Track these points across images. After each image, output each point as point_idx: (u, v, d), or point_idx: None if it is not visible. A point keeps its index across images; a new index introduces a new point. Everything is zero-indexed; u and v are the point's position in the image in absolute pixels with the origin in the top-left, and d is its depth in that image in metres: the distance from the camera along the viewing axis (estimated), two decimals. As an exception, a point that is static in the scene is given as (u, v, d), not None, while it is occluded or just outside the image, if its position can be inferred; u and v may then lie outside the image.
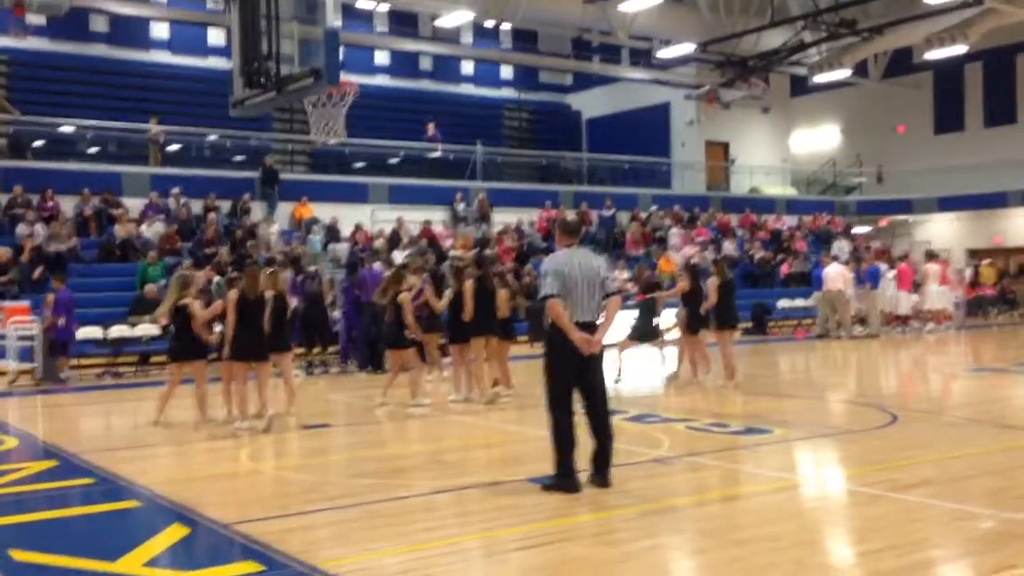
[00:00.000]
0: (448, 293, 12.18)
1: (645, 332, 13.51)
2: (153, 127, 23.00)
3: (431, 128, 27.02)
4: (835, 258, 23.16)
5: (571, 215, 7.41)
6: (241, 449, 8.87)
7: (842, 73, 29.21)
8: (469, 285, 11.53)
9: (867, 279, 22.05)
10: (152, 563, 5.23)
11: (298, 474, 7.67)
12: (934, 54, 27.10)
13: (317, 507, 6.43)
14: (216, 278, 15.64)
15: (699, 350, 13.20)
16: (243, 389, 10.06)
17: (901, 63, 32.50)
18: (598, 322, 6.69)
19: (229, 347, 10.06)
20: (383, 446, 9.23)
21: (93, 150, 23.56)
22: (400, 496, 6.73)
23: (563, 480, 6.62)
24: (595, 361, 6.70)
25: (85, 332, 16.07)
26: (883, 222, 34.55)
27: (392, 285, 11.79)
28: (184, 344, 10.46)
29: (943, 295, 23.40)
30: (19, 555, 5.40)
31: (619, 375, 13.33)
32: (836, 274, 21.26)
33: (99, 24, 28.00)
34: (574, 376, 6.68)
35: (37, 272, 17.61)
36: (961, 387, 13.42)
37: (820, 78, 29.59)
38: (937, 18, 25.27)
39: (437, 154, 27.42)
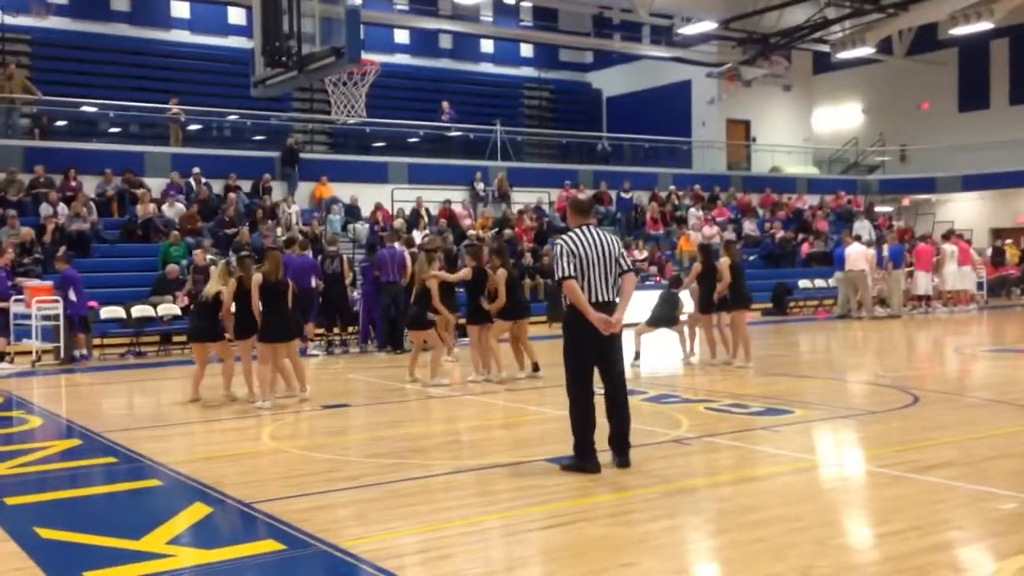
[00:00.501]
0: (464, 272, 12.16)
1: (664, 319, 13.48)
2: (174, 107, 23.07)
3: (446, 107, 26.95)
4: (858, 238, 22.97)
5: (583, 194, 7.39)
6: (262, 429, 8.93)
7: (866, 50, 28.84)
8: (502, 274, 11.51)
9: (890, 259, 21.87)
10: (175, 541, 5.29)
11: (319, 453, 7.72)
12: (959, 30, 26.70)
13: (338, 486, 6.47)
14: (216, 259, 15.72)
15: (709, 332, 13.22)
16: (265, 369, 10.14)
17: (926, 40, 32.06)
18: (616, 300, 6.65)
19: (259, 329, 10.19)
20: (403, 426, 9.27)
21: (115, 130, 23.68)
22: (420, 476, 6.77)
23: (583, 461, 6.63)
24: (613, 341, 6.69)
25: (107, 312, 16.20)
26: (905, 201, 34.25)
27: (426, 268, 11.91)
28: (205, 325, 10.59)
29: (966, 275, 23.21)
30: (45, 533, 5.48)
31: (637, 356, 13.33)
32: (858, 254, 21.10)
33: (120, 3, 28.10)
34: (593, 356, 6.66)
35: (61, 251, 17.74)
36: (982, 368, 13.32)
37: (843, 55, 29.25)
38: (962, -6, 24.91)
39: (457, 134, 27.38)
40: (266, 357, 10.20)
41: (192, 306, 10.84)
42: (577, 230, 6.77)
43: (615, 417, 6.72)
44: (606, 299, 6.60)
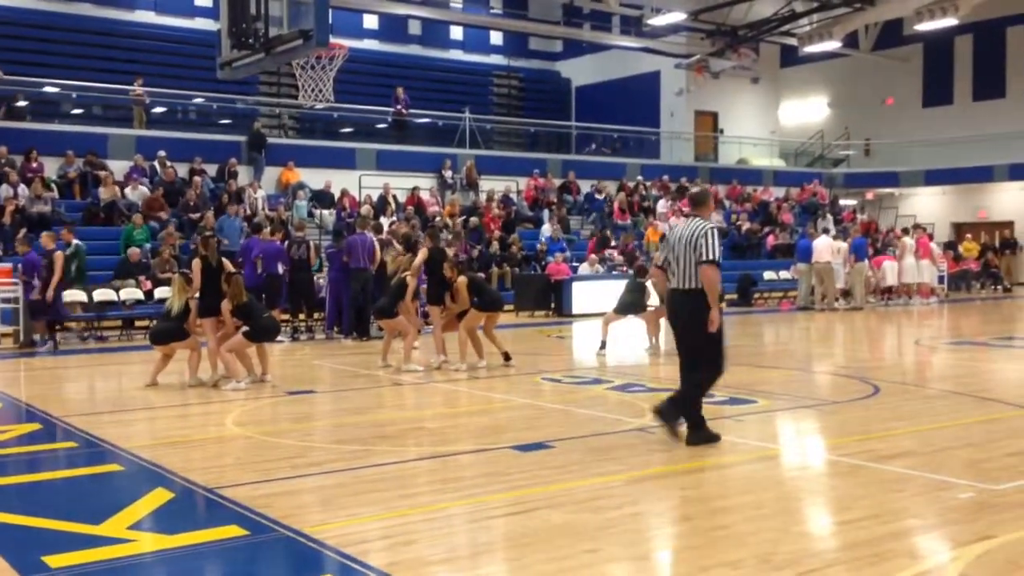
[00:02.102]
0: (422, 253, 12.08)
1: (631, 306, 13.54)
2: (137, 88, 22.75)
3: (400, 93, 26.75)
4: (825, 230, 23.25)
5: (695, 187, 7.87)
6: (226, 414, 8.87)
7: (832, 44, 29.08)
8: (463, 281, 11.56)
9: (853, 251, 22.15)
10: (136, 526, 5.24)
11: (283, 439, 7.68)
12: (924, 26, 27.01)
13: (302, 472, 6.44)
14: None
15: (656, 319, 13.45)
16: (223, 352, 10.28)
17: (891, 35, 32.43)
18: (686, 286, 6.95)
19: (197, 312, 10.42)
20: (368, 412, 9.25)
21: (77, 111, 23.32)
22: (385, 462, 6.75)
23: (707, 431, 7.09)
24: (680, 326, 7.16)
25: (69, 295, 15.97)
26: (869, 195, 34.64)
27: (406, 262, 12.00)
28: (169, 327, 10.58)
29: (926, 269, 23.56)
30: (3, 517, 5.40)
31: (603, 346, 13.40)
32: (825, 246, 21.40)
33: (84, -18, 27.64)
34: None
35: (21, 233, 17.46)
36: (942, 360, 13.53)
37: (810, 49, 29.46)
38: (929, -10, 25.19)
39: (425, 121, 27.24)
40: (237, 344, 10.30)
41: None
42: (683, 219, 7.31)
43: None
44: (682, 286, 7.02)
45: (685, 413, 7.08)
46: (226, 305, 10.36)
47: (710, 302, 6.85)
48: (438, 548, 4.86)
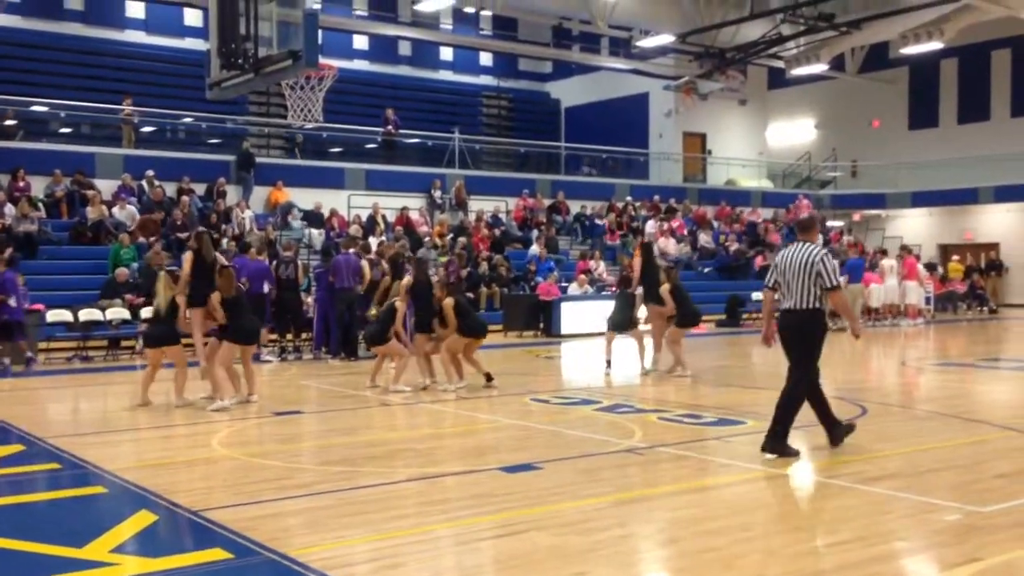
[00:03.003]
0: (406, 280, 12.15)
1: (620, 323, 13.55)
2: (127, 107, 22.74)
3: (390, 114, 26.80)
4: (862, 252, 23.85)
5: (804, 213, 8.43)
6: (212, 435, 8.81)
7: (819, 67, 29.33)
8: (450, 303, 11.58)
9: (846, 272, 22.29)
10: (119, 549, 5.18)
11: (269, 460, 7.63)
12: (910, 50, 27.28)
13: (288, 494, 6.40)
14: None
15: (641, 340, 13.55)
16: (219, 370, 10.32)
17: (877, 58, 32.71)
18: (801, 307, 7.41)
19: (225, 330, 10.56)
20: (356, 433, 9.20)
21: (66, 130, 23.28)
22: (372, 484, 6.71)
23: (788, 445, 7.43)
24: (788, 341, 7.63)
25: (55, 315, 15.89)
26: (856, 216, 34.81)
27: (395, 288, 12.04)
28: (165, 329, 10.53)
29: (913, 290, 23.66)
30: (-16, 540, 5.34)
31: (608, 365, 13.49)
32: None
33: (74, 2, 27.69)
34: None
35: (7, 252, 17.37)
36: (929, 381, 13.56)
37: (797, 71, 29.72)
38: (914, 14, 25.42)
39: (414, 141, 27.28)
40: (225, 357, 10.31)
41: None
42: (793, 244, 7.68)
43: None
44: (793, 306, 7.50)
45: (788, 425, 7.50)
46: (216, 296, 10.40)
47: (849, 321, 7.85)
48: (425, 571, 4.83)
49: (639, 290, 13.62)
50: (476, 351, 12.01)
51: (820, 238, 7.72)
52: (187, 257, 10.96)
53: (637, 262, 13.64)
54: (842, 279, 21.91)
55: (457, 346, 11.76)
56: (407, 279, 12.19)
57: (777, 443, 7.41)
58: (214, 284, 10.52)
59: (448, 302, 11.61)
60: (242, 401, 10.57)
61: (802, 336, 7.52)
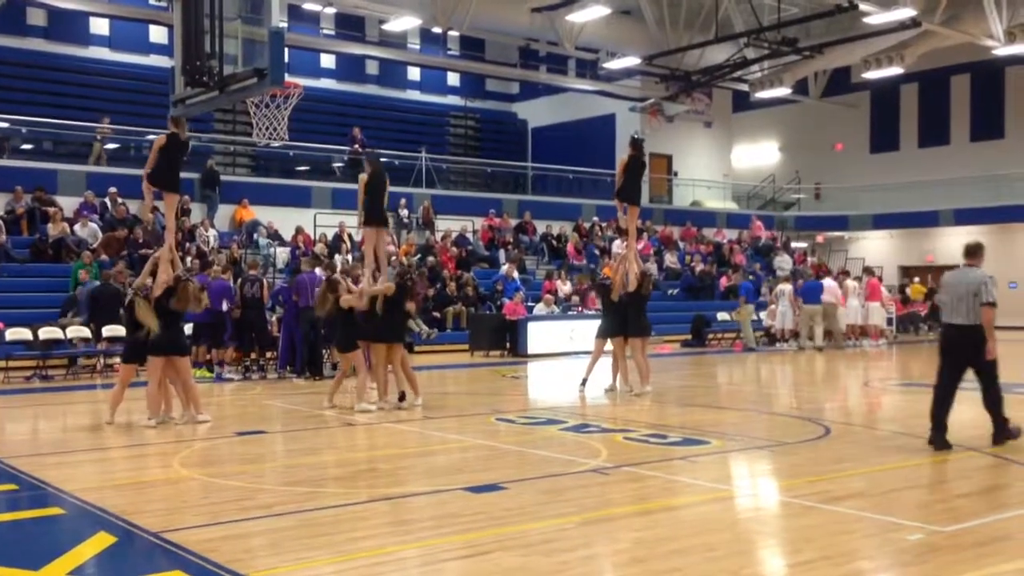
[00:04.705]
0: (388, 285, 11.97)
1: (607, 330, 13.57)
2: (104, 126, 22.66)
3: (357, 133, 26.76)
4: (827, 272, 24.27)
5: (970, 240, 9.04)
6: (173, 456, 8.68)
7: (783, 90, 29.78)
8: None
9: (800, 294, 22.65)
10: (77, 572, 5.08)
11: (231, 481, 7.53)
12: (871, 74, 27.79)
13: (250, 515, 6.31)
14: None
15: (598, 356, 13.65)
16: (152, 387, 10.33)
17: (840, 82, 33.24)
18: (970, 322, 8.44)
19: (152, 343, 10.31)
20: (320, 453, 9.11)
21: (27, 147, 22.98)
22: (336, 504, 6.64)
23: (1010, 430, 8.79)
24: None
25: (14, 333, 15.63)
26: (820, 238, 35.23)
27: (330, 294, 11.73)
28: (138, 346, 10.40)
29: (876, 311, 23.96)
30: (-64, 563, 5.22)
31: (584, 383, 13.54)
32: (829, 288, 22.45)
33: (37, 18, 27.33)
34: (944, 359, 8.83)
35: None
36: (890, 401, 13.70)
37: (761, 95, 30.14)
38: (875, 39, 25.89)
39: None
40: (156, 372, 10.19)
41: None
42: (959, 267, 8.82)
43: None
44: (958, 322, 8.56)
45: (1002, 417, 8.76)
46: (164, 281, 10.17)
47: (987, 336, 8.35)
48: (388, 593, 4.77)
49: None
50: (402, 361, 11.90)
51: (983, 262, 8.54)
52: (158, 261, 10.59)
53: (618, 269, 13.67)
54: (797, 300, 22.37)
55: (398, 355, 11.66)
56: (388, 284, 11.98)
57: (1004, 433, 8.73)
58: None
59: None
60: (163, 422, 10.34)
61: (973, 348, 8.49)
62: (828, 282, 22.98)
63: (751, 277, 27.44)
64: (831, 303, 22.26)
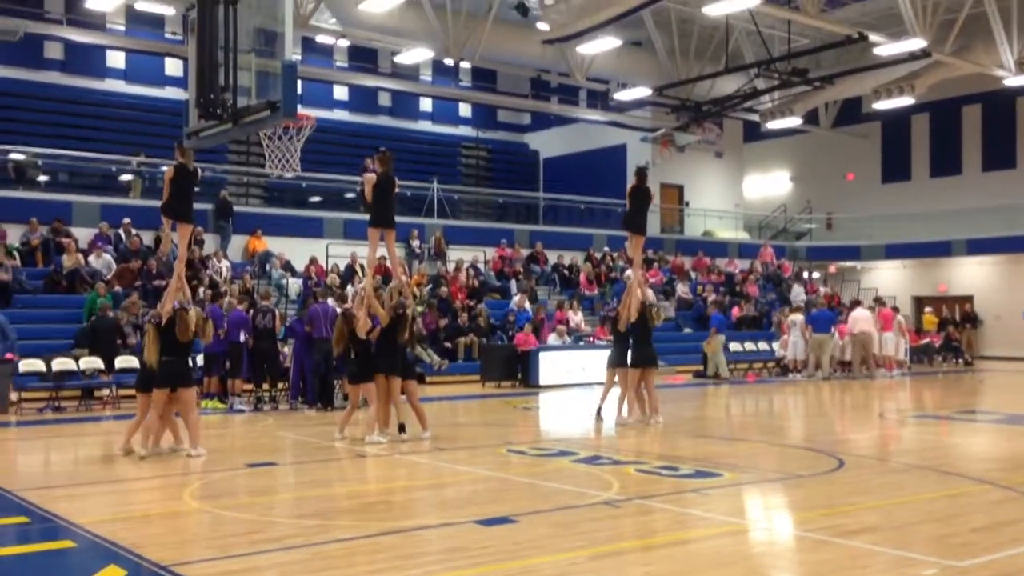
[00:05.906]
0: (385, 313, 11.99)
1: (616, 361, 13.54)
2: (139, 160, 23.04)
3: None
4: (859, 302, 24.93)
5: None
6: (184, 488, 8.68)
7: (793, 121, 29.85)
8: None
9: (809, 323, 22.74)
10: (86, 606, 5.07)
11: (242, 514, 7.51)
12: (882, 104, 27.85)
13: (261, 548, 6.30)
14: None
15: (633, 388, 13.46)
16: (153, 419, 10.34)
17: (850, 112, 33.31)
18: None
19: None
20: (330, 485, 9.09)
21: (43, 178, 23.21)
22: (346, 537, 6.62)
23: None
24: None
25: (27, 364, 15.68)
26: (832, 268, 35.15)
27: (345, 328, 11.75)
28: (147, 375, 10.48)
29: (891, 341, 23.86)
30: (-54, 596, 5.22)
31: (599, 414, 13.51)
32: (864, 317, 22.77)
33: (54, 51, 27.69)
34: None
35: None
36: (906, 433, 13.60)
37: (772, 125, 30.22)
38: (885, 70, 25.97)
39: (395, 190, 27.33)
40: (158, 404, 10.26)
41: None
42: None
43: None
44: None
45: None
46: (168, 311, 10.31)
47: None
48: (398, 628, 4.74)
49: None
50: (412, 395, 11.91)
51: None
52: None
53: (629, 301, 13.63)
54: (807, 328, 22.48)
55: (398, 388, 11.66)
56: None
57: None
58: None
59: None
60: (152, 453, 10.30)
61: None
62: (862, 312, 23.20)
63: (765, 309, 27.43)
64: (867, 332, 22.55)
